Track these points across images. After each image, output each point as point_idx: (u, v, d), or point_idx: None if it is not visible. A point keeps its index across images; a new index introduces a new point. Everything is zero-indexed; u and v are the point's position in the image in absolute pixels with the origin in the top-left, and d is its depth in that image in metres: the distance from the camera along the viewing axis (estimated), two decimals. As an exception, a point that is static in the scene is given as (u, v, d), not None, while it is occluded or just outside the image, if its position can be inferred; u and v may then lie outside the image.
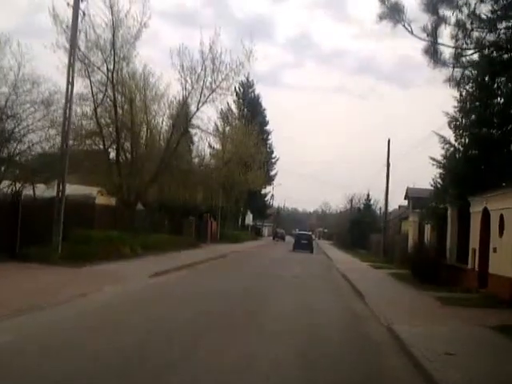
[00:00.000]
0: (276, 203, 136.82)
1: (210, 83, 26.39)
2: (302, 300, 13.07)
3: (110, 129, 25.91)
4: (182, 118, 27.45)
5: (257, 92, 72.64)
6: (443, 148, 17.73)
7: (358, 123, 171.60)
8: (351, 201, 65.62)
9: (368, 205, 62.81)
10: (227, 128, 35.69)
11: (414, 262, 20.62)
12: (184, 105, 27.10)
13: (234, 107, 70.67)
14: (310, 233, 66.16)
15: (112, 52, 23.46)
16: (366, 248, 48.33)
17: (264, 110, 72.55)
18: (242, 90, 71.02)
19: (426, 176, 25.97)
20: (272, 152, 73.76)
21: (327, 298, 14.01)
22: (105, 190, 25.48)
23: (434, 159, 18.32)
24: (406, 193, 58.99)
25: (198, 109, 27.42)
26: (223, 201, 47.41)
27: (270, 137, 72.75)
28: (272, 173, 74.77)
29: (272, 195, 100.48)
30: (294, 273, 21.16)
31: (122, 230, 23.85)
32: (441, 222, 20.93)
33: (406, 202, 69.58)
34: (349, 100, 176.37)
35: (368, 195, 62.83)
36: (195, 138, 38.17)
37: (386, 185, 36.06)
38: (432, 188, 21.24)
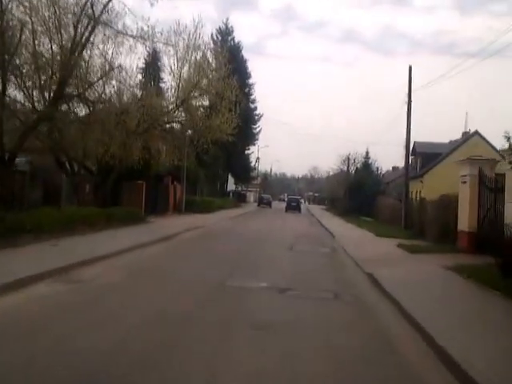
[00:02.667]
0: (263, 168, 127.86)
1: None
2: None
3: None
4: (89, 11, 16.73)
5: (237, 40, 62.01)
6: None
7: (344, 90, 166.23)
8: (347, 160, 55.36)
9: (367, 164, 52.76)
10: (204, 81, 25.05)
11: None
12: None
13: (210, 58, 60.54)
14: (299, 197, 79.22)
15: None
16: (370, 215, 38.53)
17: (246, 60, 61.72)
18: (219, 37, 60.08)
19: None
20: (255, 108, 63.24)
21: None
22: None
23: None
24: (414, 148, 48.84)
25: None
26: (189, 158, 37.18)
27: (252, 91, 62.12)
28: (255, 130, 64.37)
29: (258, 158, 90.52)
30: (280, 275, 11.18)
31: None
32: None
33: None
34: (334, 68, 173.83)
35: (367, 152, 52.79)
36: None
37: (408, 124, 25.75)
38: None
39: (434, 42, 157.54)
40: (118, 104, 23.52)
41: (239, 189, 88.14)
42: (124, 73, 23.07)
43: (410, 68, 25.72)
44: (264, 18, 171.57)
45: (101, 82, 21.45)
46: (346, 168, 64.90)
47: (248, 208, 59.99)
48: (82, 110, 22.36)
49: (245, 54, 62.82)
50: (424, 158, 44.45)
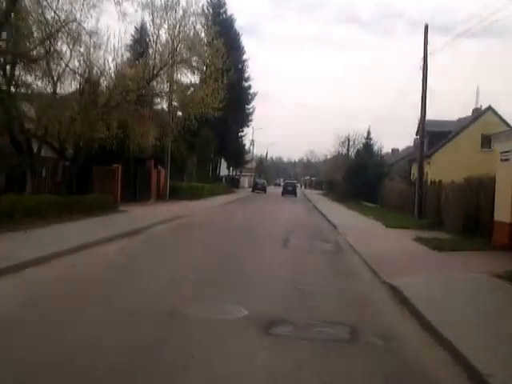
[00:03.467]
0: (258, 152, 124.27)
1: None
2: None
3: None
4: None
5: (229, 13, 57.93)
6: None
7: (341, 72, 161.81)
8: (347, 142, 51.93)
9: (368, 145, 49.36)
10: (186, 44, 21.44)
11: None
12: None
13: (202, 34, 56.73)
14: (295, 181, 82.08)
15: None
16: (374, 200, 35.30)
17: (239, 34, 57.74)
18: (210, 10, 56.19)
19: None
20: (249, 87, 59.57)
21: None
22: None
23: None
24: (420, 125, 45.61)
25: None
26: (176, 140, 33.87)
27: (246, 68, 58.45)
28: (249, 111, 60.74)
29: (252, 141, 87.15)
30: (268, 291, 7.87)
31: None
32: None
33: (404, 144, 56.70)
34: (331, 49, 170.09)
35: (368, 132, 49.34)
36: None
37: (423, 91, 22.37)
38: None
39: (432, 21, 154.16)
40: (84, 72, 20.12)
41: (233, 173, 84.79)
42: (95, 39, 19.62)
43: (426, 28, 22.21)
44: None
45: (61, 45, 18.06)
46: (344, 150, 61.72)
47: (241, 194, 56.69)
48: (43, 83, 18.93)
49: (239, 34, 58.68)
50: (431, 136, 40.95)
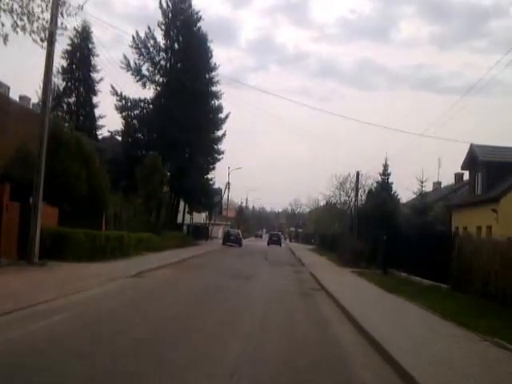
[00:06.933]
0: (238, 199, 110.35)
1: None
2: None
3: None
4: None
5: (195, 9, 43.79)
6: None
7: (322, 124, 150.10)
8: (356, 179, 36.99)
9: (385, 183, 34.76)
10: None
11: None
12: None
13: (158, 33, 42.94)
14: (280, 233, 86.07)
15: None
16: (416, 270, 20.02)
17: (206, 35, 43.30)
18: (170, 4, 42.60)
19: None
20: (220, 109, 45.12)
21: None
22: None
23: None
24: (471, 155, 31.10)
25: None
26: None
27: (215, 82, 44.21)
28: (218, 137, 46.04)
29: (228, 183, 72.52)
30: None
31: None
32: None
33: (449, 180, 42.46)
34: (311, 102, 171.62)
35: (385, 166, 34.67)
36: None
37: None
38: None
39: (414, 77, 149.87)
40: None
41: (206, 221, 69.90)
42: None
43: None
44: (241, 51, 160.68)
45: None
46: (343, 194, 47.38)
47: (206, 248, 41.22)
48: None
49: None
50: (488, 169, 26.65)
